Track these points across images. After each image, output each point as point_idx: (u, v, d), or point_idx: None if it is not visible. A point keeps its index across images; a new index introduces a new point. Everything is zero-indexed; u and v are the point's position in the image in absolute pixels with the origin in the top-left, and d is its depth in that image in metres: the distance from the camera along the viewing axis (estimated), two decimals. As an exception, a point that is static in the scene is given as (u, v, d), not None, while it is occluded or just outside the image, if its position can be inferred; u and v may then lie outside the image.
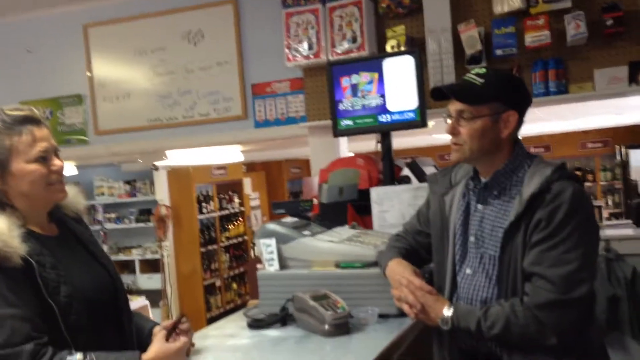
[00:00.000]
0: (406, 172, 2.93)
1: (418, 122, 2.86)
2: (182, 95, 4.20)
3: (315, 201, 2.69)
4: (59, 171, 1.71)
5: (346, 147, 3.91)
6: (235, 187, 8.13)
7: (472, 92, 1.76)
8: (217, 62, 4.10)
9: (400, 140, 5.15)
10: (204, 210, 7.32)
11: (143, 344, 1.74)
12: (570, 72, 3.35)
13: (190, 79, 4.18)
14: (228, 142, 4.51)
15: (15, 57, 4.71)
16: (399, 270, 1.89)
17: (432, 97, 1.86)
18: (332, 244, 2.23)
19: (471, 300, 1.79)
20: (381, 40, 3.62)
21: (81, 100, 4.51)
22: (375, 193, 2.75)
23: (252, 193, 8.62)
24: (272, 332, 2.04)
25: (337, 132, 3.05)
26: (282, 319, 2.10)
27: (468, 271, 1.82)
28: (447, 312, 1.74)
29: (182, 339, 1.72)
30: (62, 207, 1.83)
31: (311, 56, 3.64)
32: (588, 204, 1.74)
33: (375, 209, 2.73)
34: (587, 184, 10.03)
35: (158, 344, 1.67)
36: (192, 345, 1.85)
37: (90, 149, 4.55)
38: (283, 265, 2.24)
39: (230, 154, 6.93)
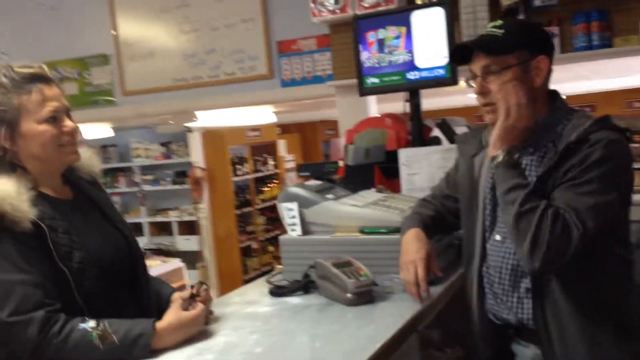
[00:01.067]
0: (436, 132, 2.80)
1: (449, 79, 2.70)
2: (207, 54, 4.11)
3: (341, 163, 2.59)
4: (71, 132, 1.65)
5: (375, 107, 3.78)
6: (270, 149, 8.08)
7: (495, 43, 1.63)
8: (242, 18, 3.98)
9: (432, 101, 4.97)
10: (239, 172, 7.29)
11: (162, 311, 1.70)
12: (614, 24, 3.13)
13: (215, 37, 4.08)
14: (254, 103, 4.43)
15: (38, 17, 4.65)
16: (412, 249, 1.81)
17: (451, 61, 1.73)
18: (356, 208, 2.14)
19: (500, 268, 1.69)
20: (411, -7, 3.45)
21: (107, 60, 4.46)
22: (404, 155, 2.63)
23: (287, 155, 8.56)
24: (294, 300, 1.98)
25: (363, 91, 2.91)
26: (305, 286, 2.03)
27: (497, 237, 1.71)
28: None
29: (199, 307, 1.67)
30: (76, 170, 1.78)
31: (337, 11, 3.48)
32: (626, 156, 1.58)
33: (403, 171, 2.62)
34: (632, 145, 9.63)
35: (174, 313, 1.63)
36: (211, 313, 1.81)
37: (119, 110, 4.52)
38: (306, 230, 2.17)
39: (263, 115, 6.85)
